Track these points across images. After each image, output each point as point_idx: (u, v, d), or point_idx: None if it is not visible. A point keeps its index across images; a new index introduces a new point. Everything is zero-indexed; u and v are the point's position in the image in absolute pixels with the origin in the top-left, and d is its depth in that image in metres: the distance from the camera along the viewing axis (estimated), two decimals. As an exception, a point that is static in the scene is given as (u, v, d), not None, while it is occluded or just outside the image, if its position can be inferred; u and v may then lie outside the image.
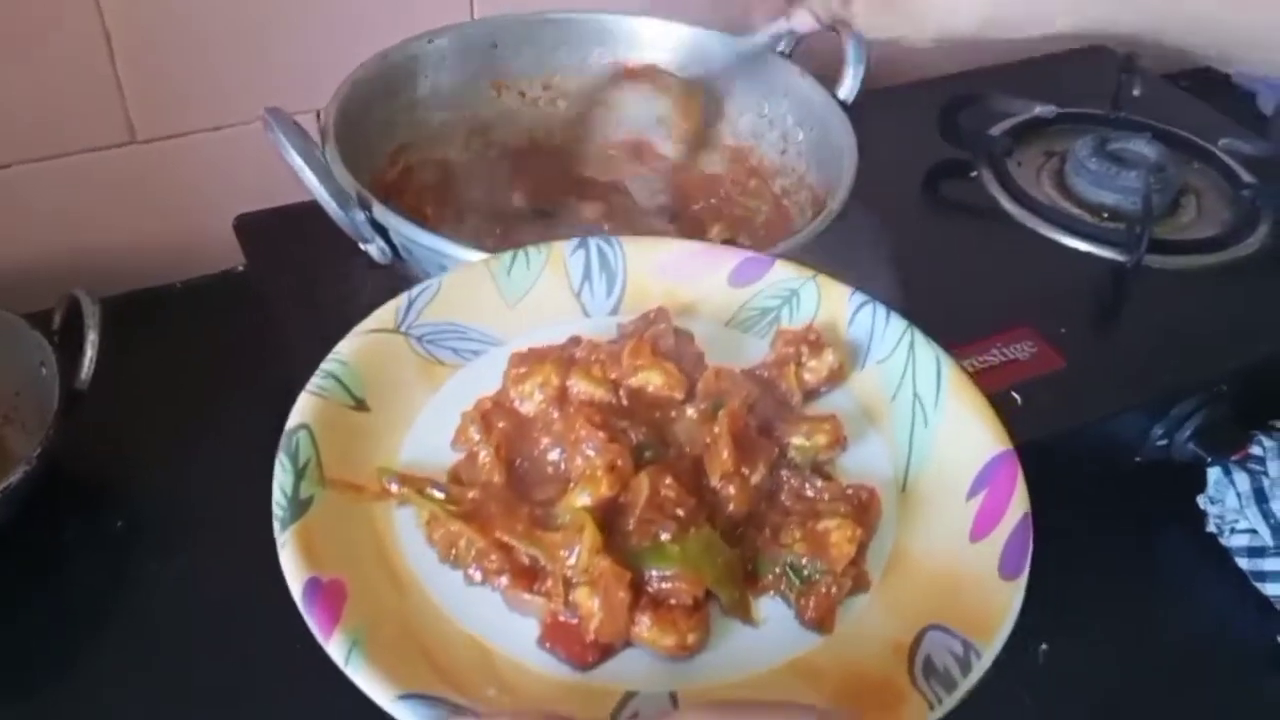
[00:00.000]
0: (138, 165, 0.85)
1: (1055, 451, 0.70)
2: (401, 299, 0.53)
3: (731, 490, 0.45)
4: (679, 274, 0.58)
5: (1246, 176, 0.95)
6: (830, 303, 0.56)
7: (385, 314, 0.53)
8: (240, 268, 0.88)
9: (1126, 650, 0.68)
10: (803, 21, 0.77)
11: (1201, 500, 0.74)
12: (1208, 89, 1.18)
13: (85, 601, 0.66)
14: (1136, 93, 1.02)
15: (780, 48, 0.82)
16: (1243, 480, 0.72)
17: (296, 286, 0.77)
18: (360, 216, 0.64)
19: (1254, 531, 0.71)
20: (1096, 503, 0.74)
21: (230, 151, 0.87)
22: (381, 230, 0.65)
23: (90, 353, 0.70)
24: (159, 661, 0.63)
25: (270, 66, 0.85)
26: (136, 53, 0.80)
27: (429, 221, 0.76)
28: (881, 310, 0.55)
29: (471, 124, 0.85)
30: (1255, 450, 0.73)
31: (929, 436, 0.50)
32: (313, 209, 0.65)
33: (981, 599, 0.43)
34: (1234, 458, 0.73)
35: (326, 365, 0.49)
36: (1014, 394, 0.71)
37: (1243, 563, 0.71)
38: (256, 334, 0.79)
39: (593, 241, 0.57)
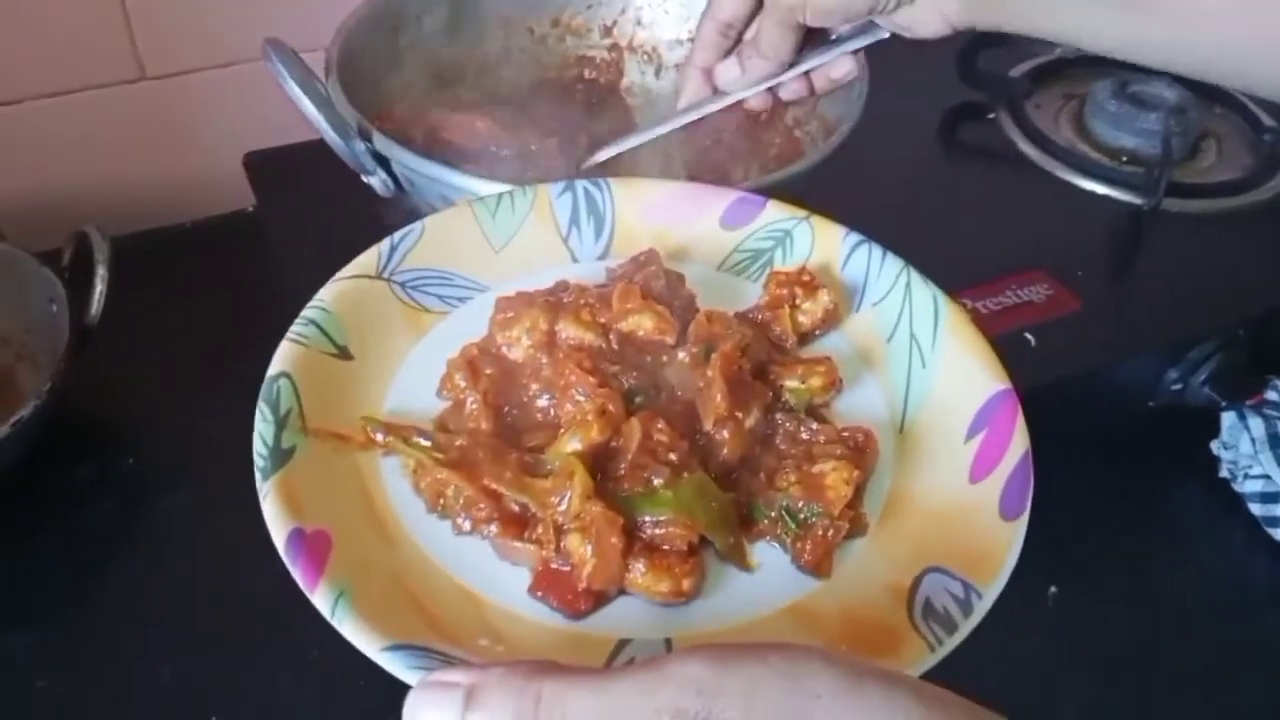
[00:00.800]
0: (147, 102, 0.85)
1: (1068, 395, 0.70)
2: (384, 244, 0.52)
3: (725, 435, 0.45)
4: (669, 216, 0.56)
5: (1268, 120, 0.93)
6: (824, 243, 0.55)
7: (367, 260, 0.51)
8: (251, 208, 0.88)
9: (1136, 595, 0.68)
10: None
11: (1215, 446, 0.74)
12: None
13: (95, 537, 0.67)
14: (1159, 34, 1.00)
15: None
16: (1257, 425, 0.71)
17: (306, 225, 0.77)
18: (361, 147, 0.64)
19: (1267, 477, 0.70)
20: (1109, 447, 0.73)
21: (241, 88, 0.86)
22: (384, 162, 0.64)
23: (100, 288, 0.70)
24: (168, 597, 0.64)
25: (281, 2, 0.84)
26: (145, -12, 0.80)
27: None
28: (877, 250, 0.54)
29: (480, 62, 0.84)
30: (1270, 395, 0.72)
31: (927, 377, 0.49)
32: (323, 147, 0.64)
33: (982, 540, 0.42)
34: (1249, 403, 0.72)
35: (307, 312, 0.48)
36: (1027, 335, 0.70)
37: (1255, 509, 0.71)
38: (266, 274, 0.79)
39: (579, 183, 0.56)
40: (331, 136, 0.63)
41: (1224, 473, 0.73)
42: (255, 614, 0.62)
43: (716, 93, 0.66)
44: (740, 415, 0.45)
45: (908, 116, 0.91)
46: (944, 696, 0.31)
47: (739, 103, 0.65)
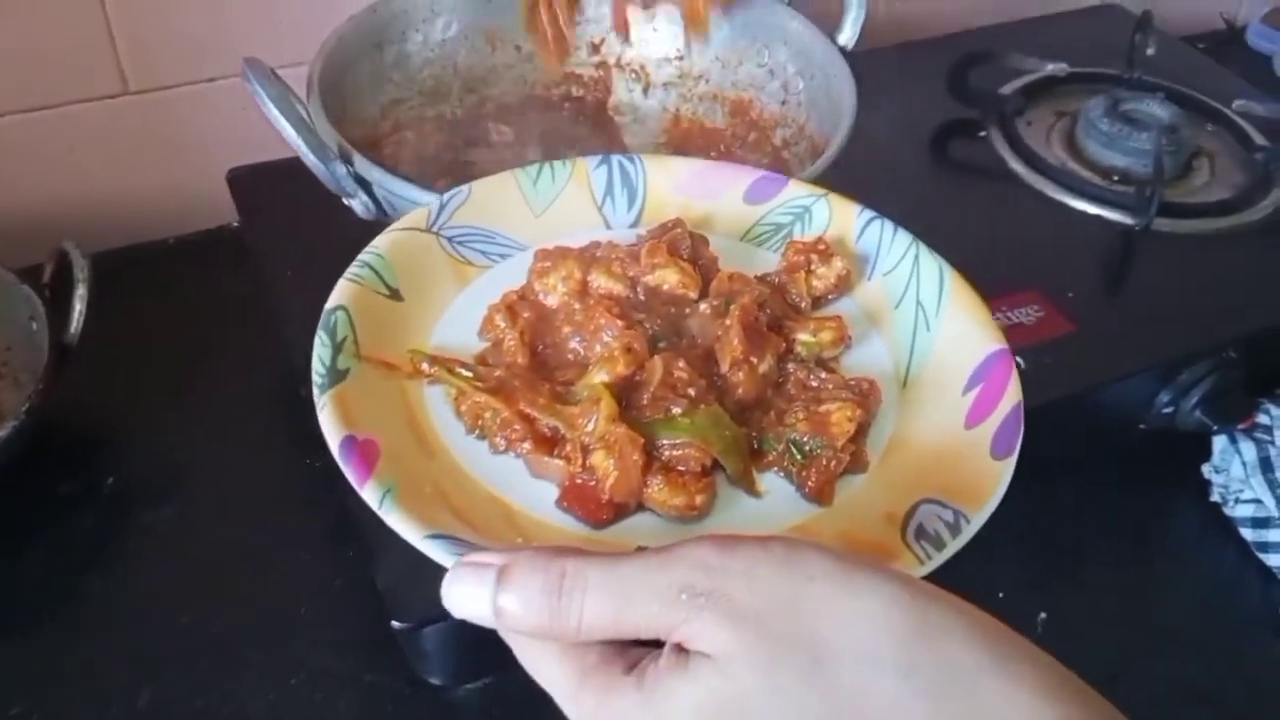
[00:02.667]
0: (130, 117, 0.84)
1: (1059, 417, 0.69)
2: (434, 203, 0.56)
3: (740, 376, 0.48)
4: (696, 190, 0.60)
5: (1260, 139, 0.93)
6: (840, 218, 0.59)
7: (418, 215, 0.55)
8: (234, 224, 0.88)
9: (1127, 620, 0.67)
10: None
11: (1206, 469, 0.73)
12: (1223, 50, 1.16)
13: (75, 555, 0.66)
14: (1150, 52, 1.00)
15: None
16: (1249, 449, 0.71)
17: (290, 242, 0.77)
18: (341, 170, 0.63)
19: (1259, 502, 0.70)
20: (1100, 470, 0.73)
21: (225, 104, 0.85)
22: (364, 185, 0.64)
23: (79, 307, 0.69)
24: (149, 612, 0.63)
25: (265, 19, 0.84)
26: (129, 2, 0.79)
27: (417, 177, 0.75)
28: (889, 225, 0.58)
29: (466, 79, 0.83)
30: (1262, 419, 0.72)
31: (929, 339, 0.53)
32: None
33: (974, 476, 0.45)
34: (1240, 426, 0.72)
35: (363, 256, 0.52)
36: (1018, 358, 0.69)
37: (1246, 533, 0.71)
38: (249, 289, 0.79)
39: (615, 158, 0.60)
40: (311, 159, 0.62)
41: (1215, 496, 0.73)
42: (237, 634, 0.62)
43: None
44: (754, 360, 0.49)
45: (898, 133, 0.91)
46: (931, 589, 0.34)
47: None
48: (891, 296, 0.56)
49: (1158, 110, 0.91)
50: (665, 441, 0.45)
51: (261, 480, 0.71)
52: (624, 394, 0.47)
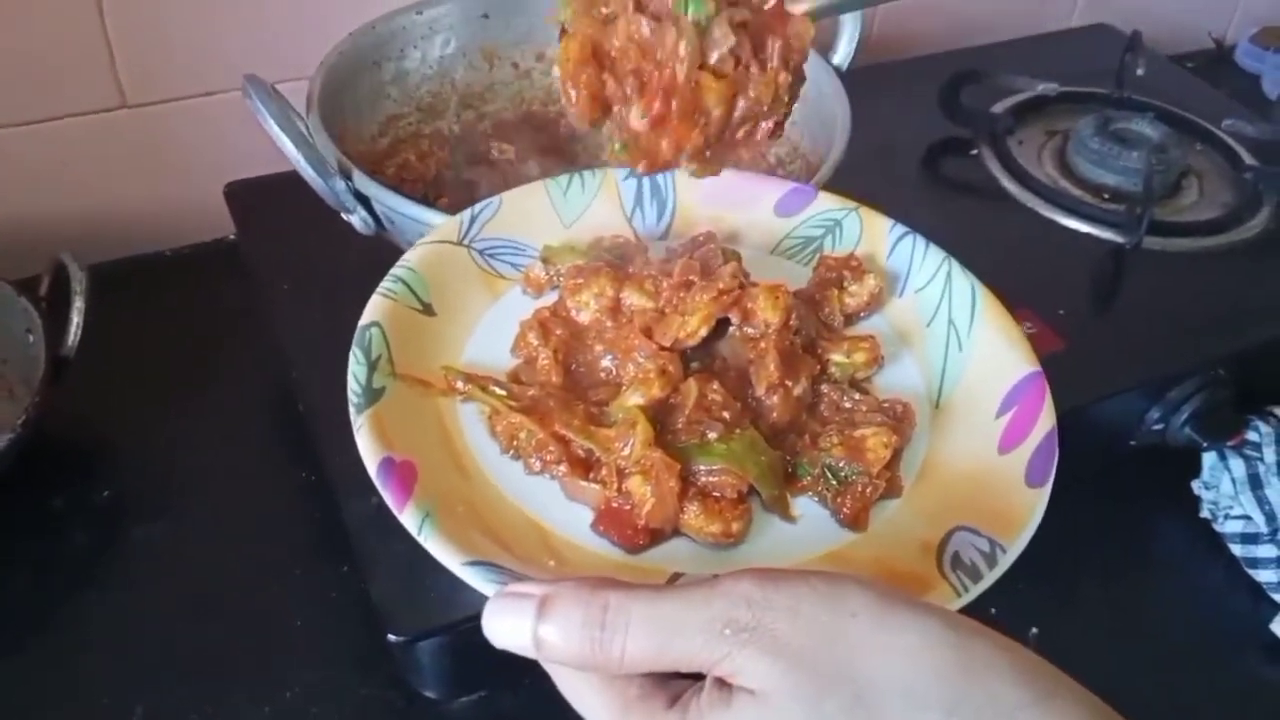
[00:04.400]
0: (128, 130, 0.84)
1: (1050, 434, 0.70)
2: (464, 214, 0.56)
3: (775, 400, 0.48)
4: (726, 202, 0.60)
5: (1249, 159, 0.94)
6: (872, 233, 0.59)
7: (449, 227, 0.56)
8: (230, 236, 0.88)
9: (1118, 635, 0.68)
10: None
11: (1196, 486, 0.74)
12: (1212, 70, 1.17)
13: (68, 568, 0.66)
14: (1140, 72, 1.01)
15: None
16: (1238, 466, 0.72)
17: (286, 255, 0.77)
18: (341, 185, 0.64)
19: (1248, 518, 0.71)
20: (1091, 486, 0.73)
21: (222, 118, 0.86)
22: (363, 200, 0.64)
23: (76, 319, 0.69)
24: (143, 627, 0.63)
25: (263, 33, 0.84)
26: (127, 16, 0.79)
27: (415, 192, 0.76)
28: (921, 241, 0.58)
29: (463, 95, 0.84)
30: (1251, 436, 0.72)
31: (962, 359, 0.53)
32: (303, 178, 0.64)
33: (1008, 504, 0.45)
34: (1230, 443, 0.73)
35: (396, 271, 0.52)
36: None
37: (1236, 549, 0.71)
38: (245, 303, 0.79)
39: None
40: (310, 175, 0.63)
41: (1205, 513, 0.73)
42: (230, 649, 0.62)
43: None
44: (789, 384, 0.48)
45: (891, 151, 0.92)
46: (972, 625, 0.34)
47: None
48: (923, 314, 0.55)
49: (1147, 129, 0.92)
50: (701, 467, 0.45)
51: (256, 494, 0.71)
52: (658, 416, 0.47)
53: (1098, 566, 0.71)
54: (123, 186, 0.86)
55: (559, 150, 0.84)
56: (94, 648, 0.62)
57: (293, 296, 0.73)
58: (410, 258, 0.53)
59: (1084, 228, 0.85)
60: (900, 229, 0.59)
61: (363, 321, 0.49)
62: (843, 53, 0.77)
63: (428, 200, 0.73)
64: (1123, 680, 0.64)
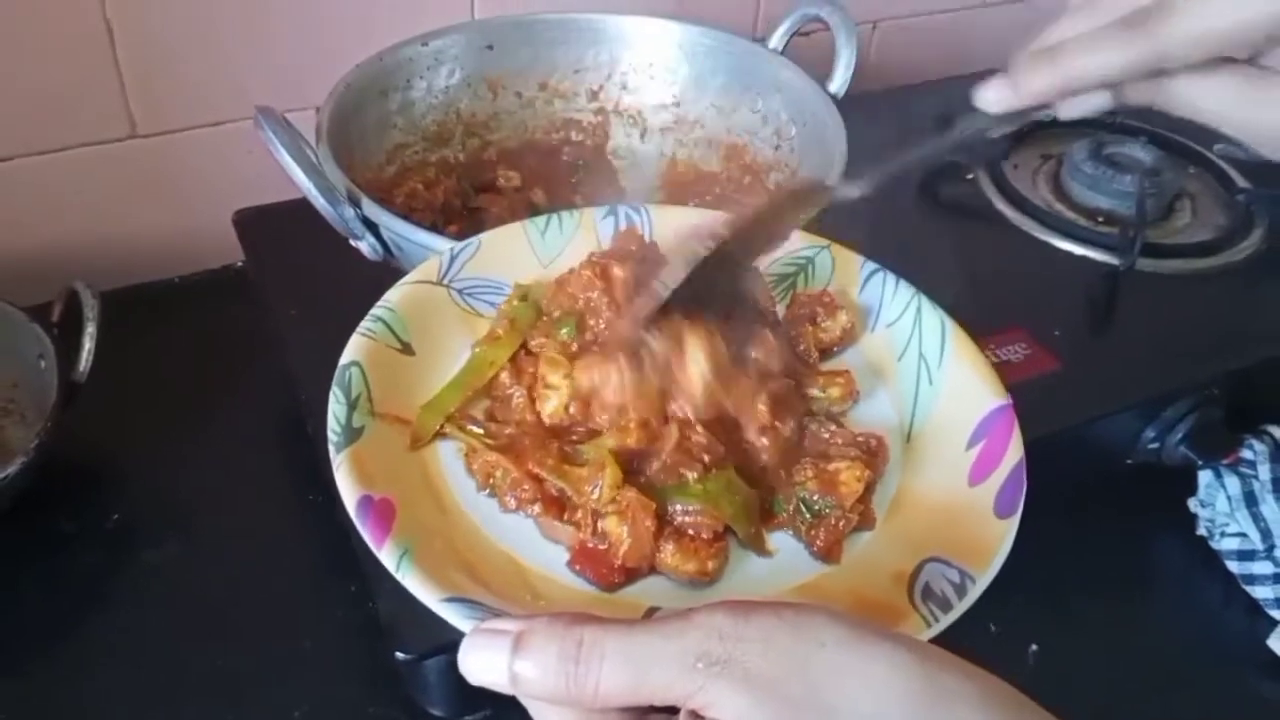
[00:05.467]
0: (139, 159, 0.85)
1: (1047, 453, 0.70)
2: (444, 254, 0.57)
3: (765, 442, 0.48)
4: None
5: (1241, 181, 0.95)
6: (843, 270, 0.60)
7: (429, 267, 0.56)
8: (239, 263, 0.89)
9: (1116, 652, 0.68)
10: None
11: (1192, 503, 0.74)
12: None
13: (80, 592, 0.66)
14: (1133, 97, 1.02)
15: (773, 44, 0.83)
16: (1233, 484, 0.72)
17: (294, 282, 0.78)
18: (350, 213, 0.65)
19: (1244, 535, 0.71)
20: (1087, 505, 0.74)
21: (231, 147, 0.87)
22: (372, 227, 0.66)
23: (88, 345, 0.70)
24: (152, 648, 0.63)
25: (271, 63, 0.86)
26: (139, 47, 0.81)
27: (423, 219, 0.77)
28: (891, 278, 0.59)
29: (468, 124, 0.85)
30: (1246, 454, 0.73)
31: (933, 393, 0.54)
32: (311, 206, 0.65)
33: (978, 535, 0.46)
34: (1225, 461, 0.73)
35: (376, 311, 0.53)
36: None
37: (1233, 566, 0.72)
38: (254, 329, 0.80)
39: (622, 208, 0.61)
40: (321, 203, 0.64)
41: (1201, 530, 0.74)
42: (239, 670, 0.63)
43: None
44: (779, 425, 0.49)
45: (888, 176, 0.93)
46: (942, 654, 0.34)
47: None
48: (894, 349, 0.56)
49: (1140, 153, 0.93)
50: (678, 507, 0.46)
51: (264, 516, 0.71)
52: (635, 456, 0.47)
53: (1096, 584, 0.71)
54: (133, 214, 0.88)
55: (562, 178, 0.85)
56: (104, 669, 0.62)
57: (300, 322, 0.74)
58: (390, 297, 0.54)
59: (1079, 250, 0.86)
60: (871, 266, 0.59)
61: (343, 361, 0.50)
62: (839, 81, 0.79)
63: (437, 228, 0.75)
64: (1120, 697, 0.66)
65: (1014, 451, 0.49)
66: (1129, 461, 0.77)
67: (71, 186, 0.84)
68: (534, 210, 0.80)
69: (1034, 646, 0.67)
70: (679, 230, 0.59)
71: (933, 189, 0.95)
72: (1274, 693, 0.67)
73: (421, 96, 0.82)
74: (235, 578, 0.67)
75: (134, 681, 0.62)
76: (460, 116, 0.85)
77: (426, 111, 0.83)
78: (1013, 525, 0.46)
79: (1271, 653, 0.68)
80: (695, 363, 0.48)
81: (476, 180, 0.82)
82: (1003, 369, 0.72)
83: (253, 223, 0.83)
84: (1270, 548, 0.70)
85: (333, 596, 0.66)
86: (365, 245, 0.66)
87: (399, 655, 0.56)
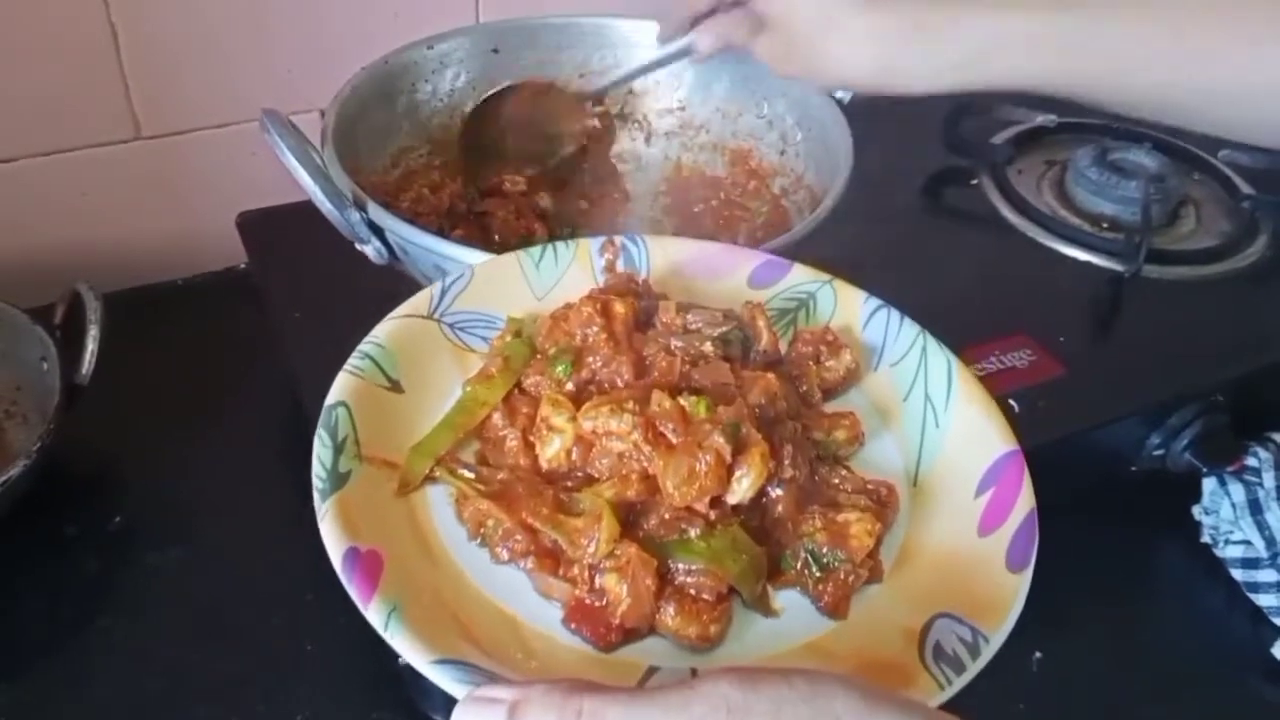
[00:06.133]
0: (142, 161, 0.85)
1: (1051, 460, 0.70)
2: (435, 287, 0.55)
3: (779, 493, 0.47)
4: (700, 272, 0.59)
5: (1246, 188, 0.95)
6: (846, 306, 0.58)
7: (420, 300, 0.54)
8: (242, 265, 0.89)
9: (1120, 660, 0.68)
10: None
11: (1196, 511, 0.74)
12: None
13: (79, 595, 0.66)
14: (1138, 103, 1.02)
15: None
16: (1238, 491, 0.72)
17: (298, 285, 0.78)
18: (356, 217, 0.65)
19: (1248, 543, 0.71)
20: (1092, 512, 0.73)
21: (235, 149, 0.87)
22: (378, 231, 0.65)
23: (91, 347, 0.70)
24: (155, 655, 0.63)
25: (275, 65, 0.86)
26: (143, 49, 0.81)
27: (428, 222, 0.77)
28: (895, 315, 0.57)
29: (473, 128, 0.85)
30: (1250, 461, 0.73)
31: (939, 436, 0.52)
32: (315, 208, 0.65)
33: (989, 589, 0.44)
34: (1229, 469, 0.73)
35: (363, 347, 0.51)
36: (1011, 401, 0.71)
37: (1237, 574, 0.72)
38: (257, 331, 0.80)
39: (618, 239, 0.59)
40: (327, 207, 0.64)
41: (1205, 537, 0.73)
42: (242, 674, 0.62)
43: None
44: (796, 473, 0.47)
45: (892, 181, 0.93)
46: None
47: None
48: (899, 389, 0.55)
49: (1145, 159, 0.93)
50: (680, 565, 0.44)
51: (267, 520, 0.71)
52: (635, 508, 0.45)
53: (1100, 592, 0.71)
54: (137, 216, 0.88)
55: (566, 182, 0.85)
56: (106, 672, 0.62)
57: (304, 325, 0.74)
58: (379, 333, 0.52)
59: (1083, 256, 0.86)
60: (874, 302, 0.58)
61: (329, 401, 0.48)
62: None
63: (442, 232, 0.75)
64: (1124, 704, 0.66)
65: (1025, 501, 0.48)
66: (1133, 468, 0.77)
67: (75, 188, 0.84)
68: (539, 214, 0.79)
69: (1038, 654, 0.66)
70: (675, 261, 0.59)
71: (937, 194, 0.95)
72: (1278, 700, 0.67)
73: (427, 100, 0.82)
74: (238, 581, 0.67)
75: (136, 685, 0.62)
76: (465, 120, 0.84)
77: (432, 115, 0.83)
78: (1025, 579, 0.45)
79: (1276, 661, 0.68)
80: (745, 478, 0.45)
81: (481, 184, 0.82)
82: (1008, 374, 0.73)
83: (256, 225, 0.83)
84: (1275, 555, 0.70)
85: (335, 600, 0.64)
86: (370, 249, 0.66)
87: (402, 660, 0.56)
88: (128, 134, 0.84)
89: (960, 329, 0.74)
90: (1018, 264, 0.86)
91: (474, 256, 0.61)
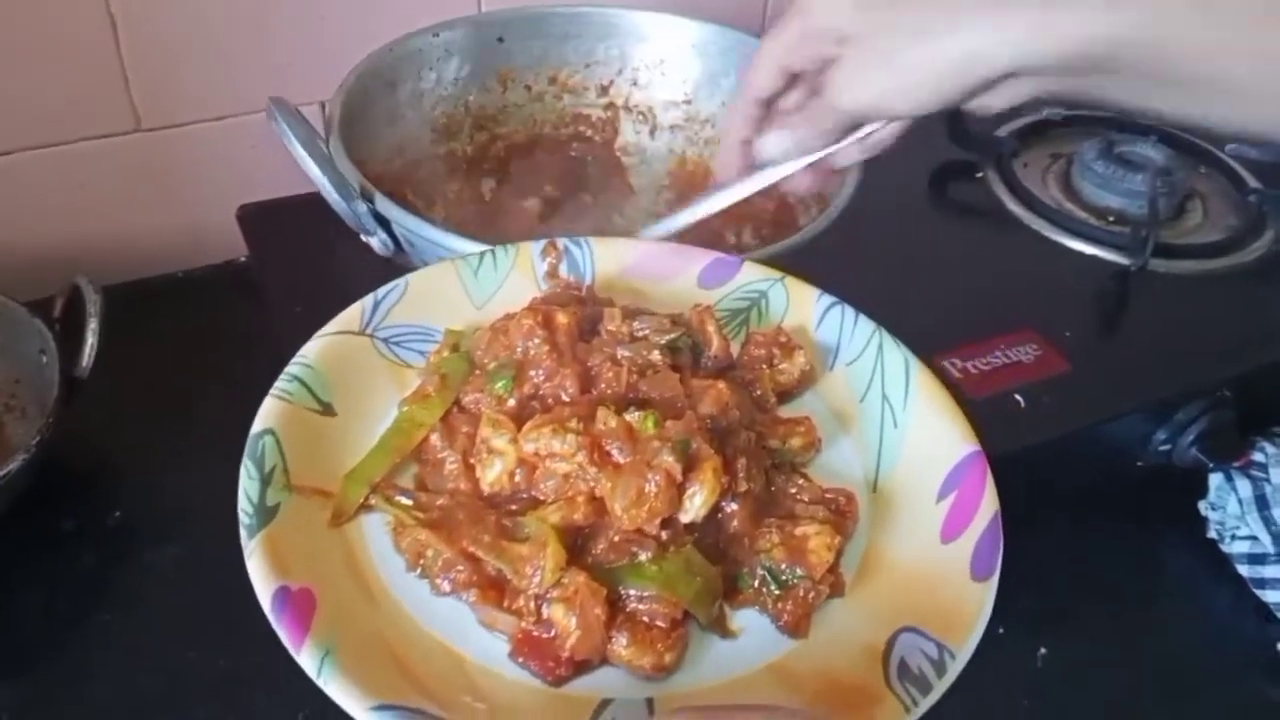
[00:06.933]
0: (142, 154, 0.85)
1: (1057, 455, 0.70)
2: (368, 300, 0.53)
3: (735, 508, 0.45)
4: (648, 274, 0.57)
5: (1253, 181, 0.95)
6: (798, 304, 0.57)
7: (351, 315, 0.52)
8: (242, 258, 0.88)
9: (1125, 656, 0.68)
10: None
11: (1202, 506, 0.74)
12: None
13: (76, 590, 0.66)
14: (1145, 95, 1.01)
15: None
16: (1244, 486, 0.72)
17: (298, 278, 0.77)
18: (362, 208, 0.64)
19: (1255, 538, 0.71)
20: (1097, 507, 0.74)
21: (235, 141, 0.86)
22: (383, 222, 0.65)
23: (91, 341, 0.70)
24: (153, 650, 0.63)
25: (276, 57, 0.85)
26: (142, 41, 0.80)
27: (431, 213, 0.77)
28: (850, 312, 0.56)
29: (477, 117, 0.85)
30: (1257, 457, 0.73)
31: (898, 438, 0.51)
32: (316, 200, 0.65)
33: (954, 600, 0.43)
34: (1236, 464, 0.73)
35: (291, 369, 0.49)
36: (1017, 396, 0.71)
37: (1243, 569, 0.71)
38: (257, 325, 0.79)
39: (561, 241, 0.57)
40: (334, 197, 0.63)
41: (1212, 533, 0.73)
42: (241, 671, 0.62)
43: (753, 169, 0.60)
44: (751, 486, 0.45)
45: (898, 175, 0.92)
46: None
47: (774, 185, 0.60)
48: (856, 389, 0.53)
49: (1151, 152, 0.93)
50: (631, 591, 0.42)
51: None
52: (581, 532, 0.43)
53: (1105, 587, 0.71)
54: (136, 209, 0.87)
55: (570, 174, 0.84)
56: (104, 668, 0.62)
57: (304, 318, 0.73)
58: (307, 352, 0.50)
59: (1089, 250, 0.86)
60: (828, 299, 0.56)
61: (254, 429, 0.46)
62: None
63: (446, 222, 0.74)
64: (1129, 700, 0.65)
65: (988, 505, 0.46)
66: (1139, 464, 0.76)
67: (74, 181, 0.84)
68: (545, 204, 0.79)
69: (1042, 649, 0.66)
70: (621, 262, 0.56)
71: (941, 188, 0.95)
72: (1285, 697, 0.67)
73: (431, 88, 0.82)
74: (236, 576, 0.66)
75: (134, 681, 0.61)
76: (469, 109, 0.84)
77: (435, 104, 0.82)
78: (990, 589, 0.43)
79: (1282, 657, 0.67)
80: (698, 495, 0.43)
81: (487, 172, 0.82)
82: (1013, 369, 0.72)
83: (257, 218, 0.82)
84: (1282, 551, 0.70)
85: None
86: (376, 241, 0.65)
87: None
88: (127, 126, 0.83)
89: (965, 323, 0.74)
90: (1023, 258, 0.86)
91: (479, 249, 0.59)
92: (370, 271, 0.68)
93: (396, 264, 0.67)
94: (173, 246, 0.89)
